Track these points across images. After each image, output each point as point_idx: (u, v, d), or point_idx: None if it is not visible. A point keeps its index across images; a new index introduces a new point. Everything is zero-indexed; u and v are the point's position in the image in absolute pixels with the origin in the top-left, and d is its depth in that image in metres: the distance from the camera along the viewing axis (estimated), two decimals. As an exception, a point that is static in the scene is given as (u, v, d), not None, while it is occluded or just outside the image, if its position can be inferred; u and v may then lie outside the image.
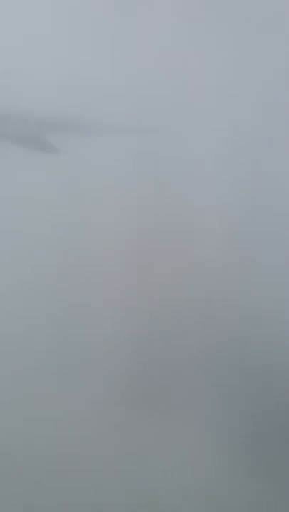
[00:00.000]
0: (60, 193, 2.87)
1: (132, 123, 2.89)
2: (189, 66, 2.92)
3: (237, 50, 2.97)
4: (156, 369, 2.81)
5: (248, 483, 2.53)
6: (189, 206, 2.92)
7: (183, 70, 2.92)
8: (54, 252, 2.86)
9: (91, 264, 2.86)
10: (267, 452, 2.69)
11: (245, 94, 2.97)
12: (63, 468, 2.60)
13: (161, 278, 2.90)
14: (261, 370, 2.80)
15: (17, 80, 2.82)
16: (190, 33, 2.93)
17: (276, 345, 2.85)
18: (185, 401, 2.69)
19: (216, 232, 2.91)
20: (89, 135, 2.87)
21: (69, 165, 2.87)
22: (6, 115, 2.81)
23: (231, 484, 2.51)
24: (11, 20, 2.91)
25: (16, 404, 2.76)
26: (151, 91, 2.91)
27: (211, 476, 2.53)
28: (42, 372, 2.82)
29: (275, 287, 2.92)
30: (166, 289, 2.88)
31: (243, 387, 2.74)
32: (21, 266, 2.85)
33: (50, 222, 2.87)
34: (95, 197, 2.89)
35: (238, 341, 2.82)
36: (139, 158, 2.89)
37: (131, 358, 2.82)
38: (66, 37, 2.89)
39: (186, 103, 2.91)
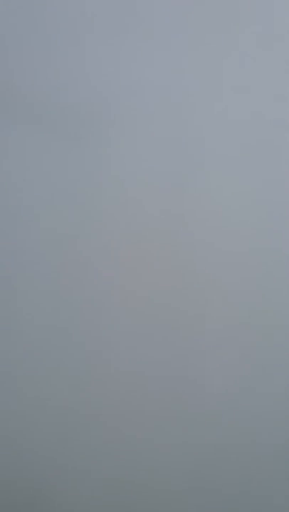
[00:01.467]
0: (65, 178, 2.87)
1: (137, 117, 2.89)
2: (189, 67, 2.91)
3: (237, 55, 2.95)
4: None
5: None
6: (197, 203, 2.91)
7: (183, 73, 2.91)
8: (55, 236, 2.86)
9: (93, 251, 2.86)
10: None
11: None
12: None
13: (162, 275, 2.91)
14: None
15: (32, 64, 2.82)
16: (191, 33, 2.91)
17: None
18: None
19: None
20: (105, 124, 2.86)
21: (79, 150, 2.86)
22: (21, 97, 2.80)
23: None
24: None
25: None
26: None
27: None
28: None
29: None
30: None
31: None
32: (23, 247, 2.84)
33: (52, 205, 2.87)
34: (100, 185, 2.88)
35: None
36: (147, 149, 2.89)
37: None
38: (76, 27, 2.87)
39: (188, 102, 2.90)
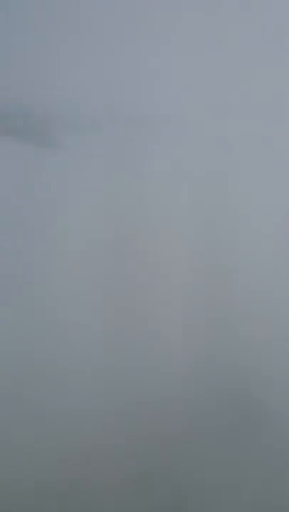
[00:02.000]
0: (62, 190, 2.87)
1: (133, 121, 2.89)
2: (190, 65, 2.93)
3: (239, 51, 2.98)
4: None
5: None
6: (193, 205, 2.92)
7: (185, 69, 2.93)
8: (53, 251, 2.85)
9: (86, 264, 2.85)
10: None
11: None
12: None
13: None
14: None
15: (19, 78, 2.84)
16: (191, 32, 2.95)
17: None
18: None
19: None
20: (91, 132, 2.87)
21: (71, 162, 2.86)
22: (8, 112, 2.81)
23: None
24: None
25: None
26: (153, 89, 2.91)
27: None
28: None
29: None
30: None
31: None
32: (18, 264, 2.84)
33: (51, 219, 2.86)
34: (97, 194, 2.88)
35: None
36: (140, 155, 2.89)
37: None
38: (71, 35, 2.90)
39: (188, 101, 2.92)
